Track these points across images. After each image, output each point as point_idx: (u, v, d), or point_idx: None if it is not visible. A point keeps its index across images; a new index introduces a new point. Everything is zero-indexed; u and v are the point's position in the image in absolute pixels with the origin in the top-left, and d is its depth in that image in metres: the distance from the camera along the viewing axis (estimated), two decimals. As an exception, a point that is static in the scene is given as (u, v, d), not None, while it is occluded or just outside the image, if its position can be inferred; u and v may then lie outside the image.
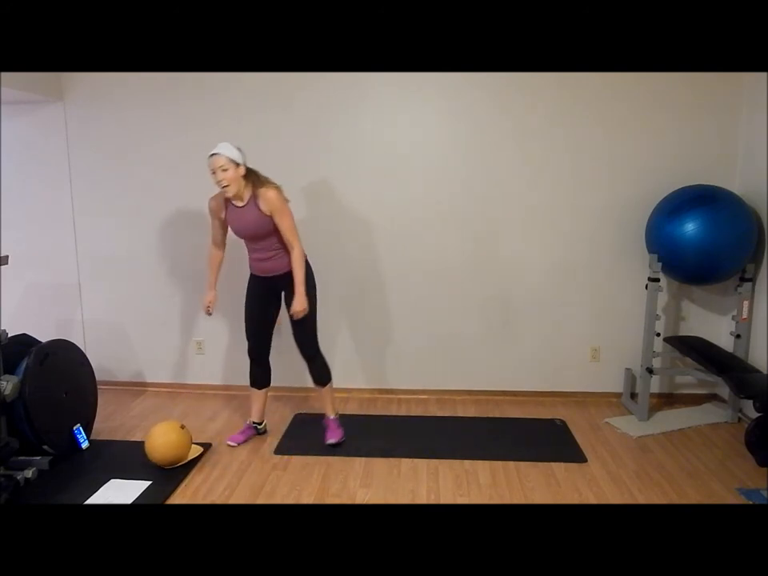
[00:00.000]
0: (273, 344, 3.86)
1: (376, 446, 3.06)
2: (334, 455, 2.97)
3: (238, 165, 2.74)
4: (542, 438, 3.15)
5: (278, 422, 3.40)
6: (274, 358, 3.85)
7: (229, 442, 3.09)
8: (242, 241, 2.95)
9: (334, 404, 3.18)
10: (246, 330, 3.08)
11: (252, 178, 2.82)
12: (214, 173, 2.71)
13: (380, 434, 3.21)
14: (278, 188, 2.83)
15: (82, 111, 3.67)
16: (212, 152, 2.70)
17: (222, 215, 2.89)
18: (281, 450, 3.04)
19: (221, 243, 3.04)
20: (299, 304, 2.84)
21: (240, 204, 2.82)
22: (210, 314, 3.03)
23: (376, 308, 3.73)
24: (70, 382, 3.00)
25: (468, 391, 3.78)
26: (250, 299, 3.03)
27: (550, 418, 3.42)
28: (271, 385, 3.84)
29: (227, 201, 2.84)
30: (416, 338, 3.74)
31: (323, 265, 3.69)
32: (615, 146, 3.46)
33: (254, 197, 2.80)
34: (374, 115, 3.52)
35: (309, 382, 3.83)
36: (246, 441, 3.15)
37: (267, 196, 2.77)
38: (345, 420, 3.41)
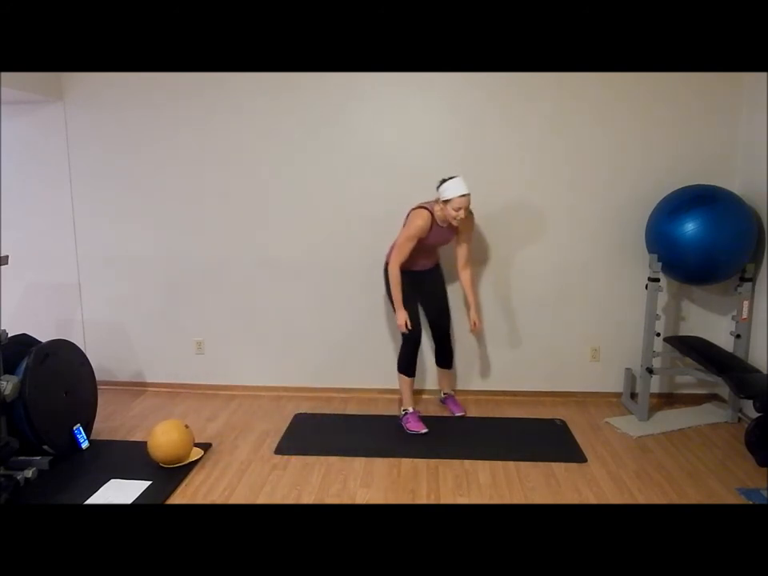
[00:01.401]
0: (269, 345, 3.88)
1: (376, 446, 3.07)
2: (333, 455, 2.97)
3: None
4: (542, 437, 3.15)
5: (278, 421, 3.40)
6: (272, 358, 3.86)
7: (422, 431, 3.22)
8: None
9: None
10: (417, 319, 3.23)
11: None
12: (458, 209, 2.96)
13: (380, 433, 3.21)
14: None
15: (82, 111, 3.67)
16: (464, 192, 2.95)
17: (425, 234, 3.09)
18: (281, 450, 3.04)
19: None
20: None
21: (445, 225, 3.13)
22: (407, 331, 3.14)
23: (376, 308, 3.73)
24: (70, 382, 3.00)
25: (468, 391, 3.78)
26: (418, 292, 3.33)
27: (550, 418, 3.42)
28: (271, 384, 3.88)
29: (433, 222, 3.10)
30: (416, 337, 3.74)
31: (324, 264, 3.69)
32: (615, 146, 3.46)
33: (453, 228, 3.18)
34: (374, 115, 3.52)
35: (309, 381, 3.84)
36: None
37: (469, 221, 3.21)
38: (345, 419, 3.41)
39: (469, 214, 3.18)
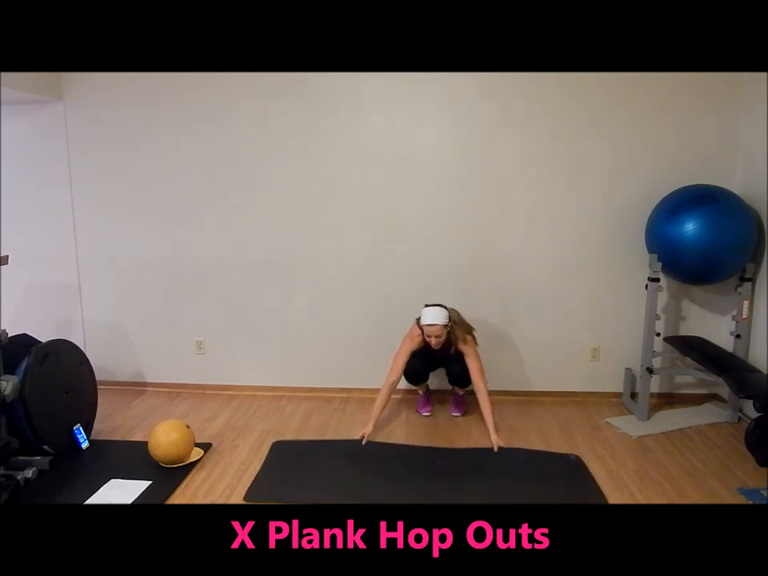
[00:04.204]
0: (269, 345, 3.88)
1: (358, 486, 2.63)
2: (311, 501, 2.45)
3: (446, 325, 3.09)
4: (555, 473, 2.72)
5: (278, 422, 3.40)
6: (272, 358, 3.86)
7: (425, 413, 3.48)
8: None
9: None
10: (418, 363, 3.34)
11: (453, 327, 3.13)
12: (429, 336, 3.08)
13: (365, 465, 2.82)
14: (472, 340, 3.20)
15: (82, 111, 3.67)
16: (428, 322, 3.04)
17: (417, 350, 3.19)
18: (252, 495, 2.55)
19: (399, 380, 3.23)
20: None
21: (438, 347, 3.15)
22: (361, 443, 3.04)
23: (376, 308, 3.73)
24: (70, 382, 3.00)
25: (469, 391, 3.77)
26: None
27: (563, 453, 2.94)
28: (271, 384, 3.88)
29: (424, 340, 3.15)
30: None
31: (324, 265, 3.69)
32: (615, 146, 3.46)
33: (451, 343, 3.14)
34: (376, 116, 3.51)
35: (309, 381, 3.84)
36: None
37: (463, 349, 3.14)
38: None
39: (463, 343, 3.12)
